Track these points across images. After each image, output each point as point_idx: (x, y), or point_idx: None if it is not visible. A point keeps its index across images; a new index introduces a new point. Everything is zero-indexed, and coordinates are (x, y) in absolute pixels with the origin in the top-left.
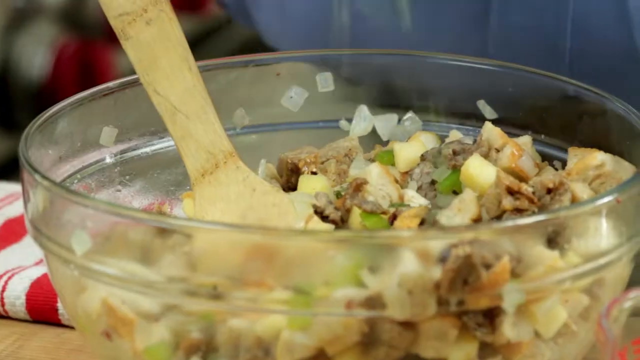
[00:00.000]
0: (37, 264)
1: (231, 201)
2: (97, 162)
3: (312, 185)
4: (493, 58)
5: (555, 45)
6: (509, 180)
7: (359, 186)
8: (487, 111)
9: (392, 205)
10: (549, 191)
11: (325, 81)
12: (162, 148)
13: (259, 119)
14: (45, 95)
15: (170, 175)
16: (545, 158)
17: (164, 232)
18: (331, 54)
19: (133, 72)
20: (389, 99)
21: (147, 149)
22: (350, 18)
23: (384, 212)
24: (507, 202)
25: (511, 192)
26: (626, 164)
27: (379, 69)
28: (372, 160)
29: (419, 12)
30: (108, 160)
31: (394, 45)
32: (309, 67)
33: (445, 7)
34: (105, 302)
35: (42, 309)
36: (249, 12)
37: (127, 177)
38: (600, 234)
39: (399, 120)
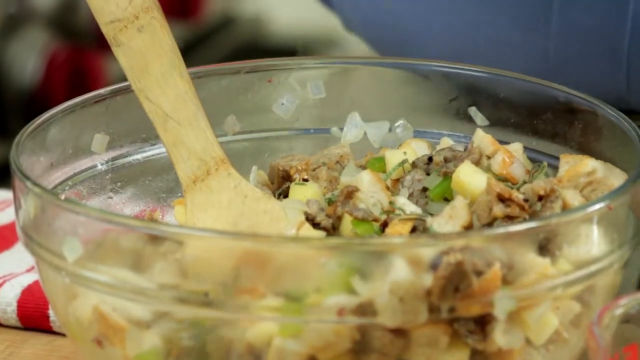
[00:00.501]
0: (28, 270)
1: (223, 208)
2: (88, 169)
3: (304, 193)
4: (554, 58)
5: (614, 47)
6: (499, 188)
7: (350, 194)
8: (479, 118)
9: (383, 212)
10: (540, 198)
11: (317, 88)
12: (153, 155)
13: (251, 125)
14: (36, 101)
15: (162, 182)
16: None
17: (155, 239)
18: (323, 61)
19: (124, 79)
20: (381, 106)
21: (139, 156)
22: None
23: (375, 220)
24: (498, 209)
25: (502, 199)
26: (617, 170)
27: (370, 76)
28: (363, 168)
29: (479, 11)
30: (99, 167)
31: (455, 45)
32: (301, 73)
33: (507, 6)
34: (97, 309)
35: (34, 316)
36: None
37: (119, 184)
38: (592, 241)
39: (391, 127)
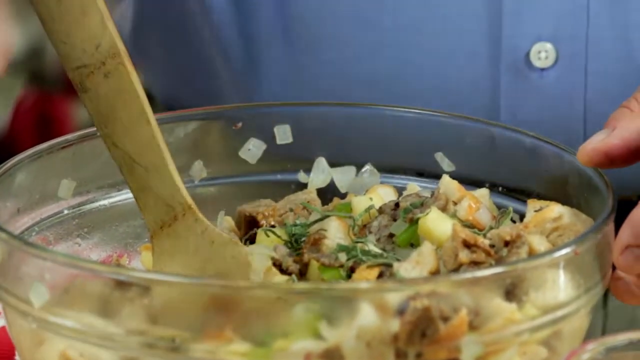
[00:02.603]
0: None
1: (190, 253)
2: (55, 214)
3: (270, 239)
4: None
5: (569, 138)
6: (465, 234)
7: (316, 241)
8: (445, 164)
9: (349, 258)
10: (507, 244)
11: (284, 133)
12: (120, 200)
13: (218, 171)
14: (3, 147)
15: (129, 227)
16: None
17: (122, 284)
18: (290, 106)
19: (91, 125)
20: (347, 151)
21: (105, 202)
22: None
23: (341, 265)
24: (464, 255)
25: (468, 245)
26: (584, 216)
27: (337, 121)
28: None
29: (427, 100)
30: (66, 212)
31: None
32: (268, 119)
33: (453, 107)
34: (64, 354)
35: None
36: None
37: (85, 229)
38: (558, 286)
39: (357, 172)
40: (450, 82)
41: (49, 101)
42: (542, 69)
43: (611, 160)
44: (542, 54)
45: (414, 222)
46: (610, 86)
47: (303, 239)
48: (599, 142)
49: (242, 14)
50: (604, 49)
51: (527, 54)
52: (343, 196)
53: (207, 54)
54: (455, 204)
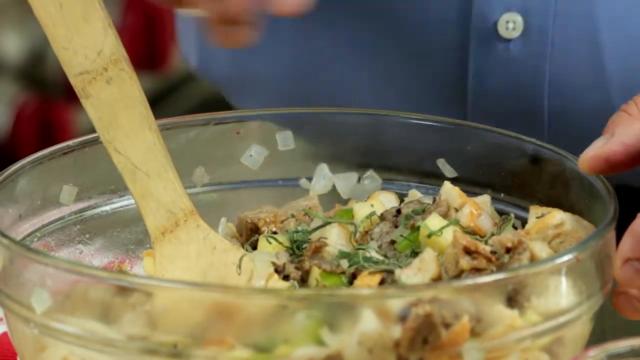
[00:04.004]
0: None
1: (191, 259)
2: (57, 220)
3: (272, 245)
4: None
5: (533, 111)
6: (466, 240)
7: (317, 249)
8: (447, 170)
9: (351, 264)
10: (508, 250)
11: (286, 140)
12: (122, 206)
13: (219, 177)
14: (5, 153)
15: (131, 233)
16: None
17: (124, 290)
18: (291, 113)
19: (93, 131)
20: (349, 158)
21: (107, 208)
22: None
23: (342, 272)
24: (465, 262)
25: (468, 251)
26: (585, 223)
27: (339, 128)
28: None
29: (394, 77)
30: (68, 218)
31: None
32: (269, 125)
33: (422, 74)
34: None
35: None
36: (212, 69)
37: (87, 235)
38: (560, 293)
39: (359, 178)
40: (420, 49)
41: (51, 107)
42: (509, 40)
43: (612, 167)
44: (510, 24)
45: (415, 228)
46: (573, 63)
47: (305, 245)
48: (599, 149)
49: None
50: (569, 25)
51: (495, 24)
52: (345, 202)
53: None
54: (456, 210)
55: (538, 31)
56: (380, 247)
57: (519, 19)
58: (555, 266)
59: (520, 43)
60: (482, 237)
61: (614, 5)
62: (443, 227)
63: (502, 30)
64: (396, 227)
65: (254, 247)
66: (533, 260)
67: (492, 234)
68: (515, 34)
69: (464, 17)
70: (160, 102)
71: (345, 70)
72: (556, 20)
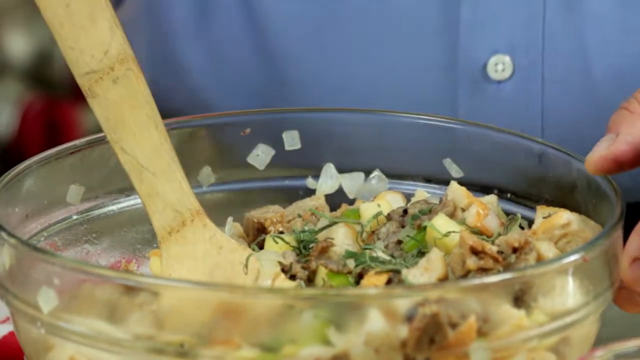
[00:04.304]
0: (3, 322)
1: (198, 259)
2: (63, 220)
3: (279, 245)
4: None
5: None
6: (472, 240)
7: (324, 249)
8: (454, 170)
9: (357, 264)
10: (515, 250)
11: (292, 139)
12: (128, 206)
13: (226, 177)
14: (11, 153)
15: (137, 233)
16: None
17: (131, 290)
18: (298, 112)
19: (100, 130)
20: (356, 157)
21: (114, 207)
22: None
23: (349, 272)
24: (471, 262)
25: (475, 251)
26: (592, 223)
27: (346, 127)
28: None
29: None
30: (75, 218)
31: None
32: (276, 124)
33: (412, 97)
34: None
35: None
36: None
37: (94, 235)
38: (567, 293)
39: (366, 178)
40: (408, 93)
41: (57, 107)
42: (499, 82)
43: (621, 166)
44: (499, 66)
45: (422, 228)
46: (567, 95)
47: (311, 245)
48: (605, 149)
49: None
50: (560, 59)
51: (485, 66)
52: (351, 202)
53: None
54: (463, 210)
55: (528, 70)
56: (386, 247)
57: (507, 59)
58: (562, 266)
59: (511, 83)
60: (488, 237)
61: (603, 35)
62: (451, 232)
63: (492, 73)
64: (403, 227)
65: (261, 246)
66: (540, 260)
67: (499, 234)
68: (506, 75)
69: (451, 62)
70: None
71: None
72: (545, 56)
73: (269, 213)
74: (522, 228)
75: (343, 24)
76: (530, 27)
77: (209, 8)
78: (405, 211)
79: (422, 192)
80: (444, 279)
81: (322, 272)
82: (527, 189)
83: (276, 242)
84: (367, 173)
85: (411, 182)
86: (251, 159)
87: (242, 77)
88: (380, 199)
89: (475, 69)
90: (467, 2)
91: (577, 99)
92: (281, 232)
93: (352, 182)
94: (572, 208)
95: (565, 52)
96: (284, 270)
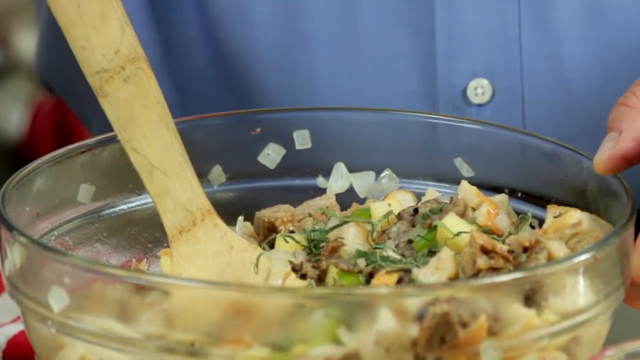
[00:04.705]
0: (14, 321)
1: (209, 258)
2: (74, 219)
3: (289, 244)
4: None
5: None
6: (482, 240)
7: (334, 249)
8: (464, 169)
9: (368, 264)
10: (525, 249)
11: (303, 138)
12: (139, 205)
13: (236, 176)
14: (22, 152)
15: (148, 232)
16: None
17: (141, 289)
18: (309, 111)
19: (110, 129)
20: (366, 157)
21: (125, 206)
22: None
23: (359, 271)
24: (482, 261)
25: (485, 251)
26: (603, 222)
27: (357, 126)
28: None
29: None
30: (85, 217)
31: None
32: (287, 124)
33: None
34: (83, 359)
35: None
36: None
37: (105, 234)
38: (578, 292)
39: (376, 177)
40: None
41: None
42: (480, 105)
43: (630, 163)
44: (479, 89)
45: (432, 228)
46: (547, 116)
47: (322, 244)
48: (612, 148)
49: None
50: (539, 79)
51: (464, 91)
52: (362, 201)
53: None
54: (474, 209)
55: (508, 92)
56: (397, 246)
57: (486, 83)
58: (573, 265)
59: (491, 106)
60: (499, 236)
61: (582, 53)
62: (461, 232)
63: (472, 97)
64: (413, 226)
65: (272, 246)
66: (550, 259)
67: (510, 233)
68: (486, 98)
69: (430, 88)
70: None
71: None
72: (524, 77)
73: (279, 212)
74: (532, 227)
75: (313, 55)
76: (506, 50)
77: (173, 47)
78: (415, 210)
79: (433, 192)
80: (454, 278)
81: (332, 272)
82: (538, 188)
83: (287, 242)
84: (378, 172)
85: (422, 182)
86: (262, 158)
87: (211, 111)
88: (391, 198)
89: (455, 95)
90: (441, 32)
91: (557, 117)
92: (292, 232)
93: (362, 182)
94: (583, 207)
95: (544, 73)
96: (294, 270)
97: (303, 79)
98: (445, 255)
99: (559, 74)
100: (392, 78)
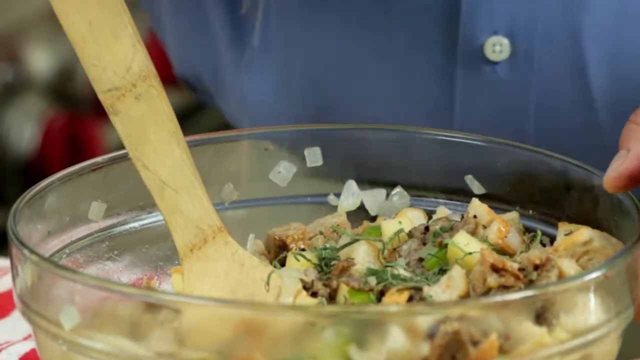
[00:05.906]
0: (25, 339)
1: (220, 276)
2: (85, 237)
3: (300, 263)
4: None
5: (519, 132)
6: (493, 258)
7: (345, 269)
8: (475, 186)
9: (379, 282)
10: (536, 267)
11: (314, 156)
12: (150, 223)
13: (248, 194)
14: (33, 169)
15: (159, 250)
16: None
17: (152, 307)
18: (320, 129)
19: (122, 147)
20: (377, 174)
21: (136, 224)
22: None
23: (371, 289)
24: (492, 280)
25: (496, 269)
26: (614, 240)
27: (367, 144)
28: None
29: (383, 96)
30: (96, 235)
31: None
32: (298, 141)
33: (409, 96)
34: None
35: None
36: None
37: (116, 252)
38: (589, 310)
39: (387, 195)
40: (406, 74)
41: (80, 123)
42: (495, 63)
43: (637, 181)
44: (497, 47)
45: (443, 246)
46: (559, 83)
47: (333, 262)
48: (619, 167)
49: None
50: (555, 46)
51: (482, 47)
52: (373, 219)
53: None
54: (484, 227)
55: (524, 54)
56: (408, 264)
57: (505, 42)
58: (584, 283)
59: (507, 66)
60: (511, 255)
61: (599, 23)
62: (471, 253)
63: (489, 53)
64: (424, 244)
65: (282, 264)
66: (561, 277)
67: (521, 252)
68: (503, 56)
69: (450, 40)
70: (189, 118)
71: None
72: (542, 42)
73: (290, 230)
74: (543, 245)
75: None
76: (529, 12)
77: None
78: (426, 228)
79: (444, 209)
80: (465, 296)
81: (343, 290)
82: (549, 206)
83: (298, 260)
84: (389, 190)
85: (432, 199)
86: (273, 176)
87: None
88: (402, 216)
89: (473, 49)
90: None
91: (569, 86)
92: (303, 250)
93: (373, 199)
94: (594, 225)
95: (561, 40)
96: (305, 288)
97: (329, 28)
98: (456, 274)
99: (574, 43)
100: (415, 31)
